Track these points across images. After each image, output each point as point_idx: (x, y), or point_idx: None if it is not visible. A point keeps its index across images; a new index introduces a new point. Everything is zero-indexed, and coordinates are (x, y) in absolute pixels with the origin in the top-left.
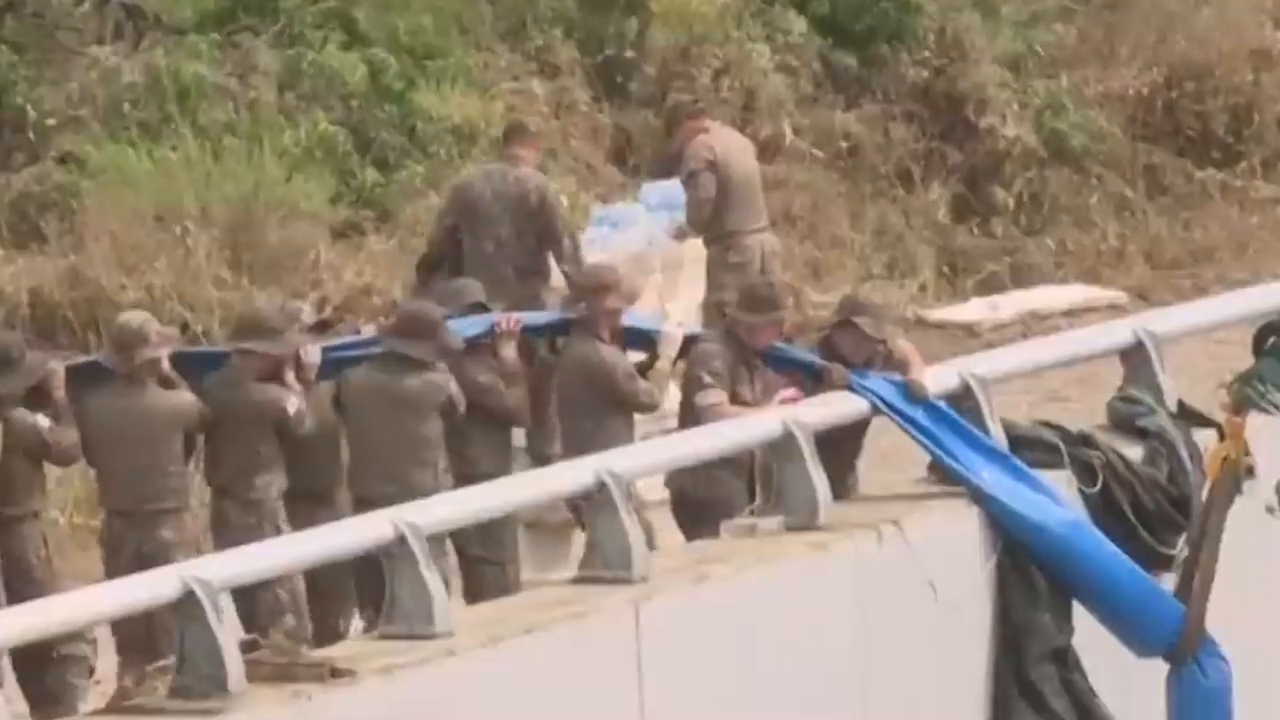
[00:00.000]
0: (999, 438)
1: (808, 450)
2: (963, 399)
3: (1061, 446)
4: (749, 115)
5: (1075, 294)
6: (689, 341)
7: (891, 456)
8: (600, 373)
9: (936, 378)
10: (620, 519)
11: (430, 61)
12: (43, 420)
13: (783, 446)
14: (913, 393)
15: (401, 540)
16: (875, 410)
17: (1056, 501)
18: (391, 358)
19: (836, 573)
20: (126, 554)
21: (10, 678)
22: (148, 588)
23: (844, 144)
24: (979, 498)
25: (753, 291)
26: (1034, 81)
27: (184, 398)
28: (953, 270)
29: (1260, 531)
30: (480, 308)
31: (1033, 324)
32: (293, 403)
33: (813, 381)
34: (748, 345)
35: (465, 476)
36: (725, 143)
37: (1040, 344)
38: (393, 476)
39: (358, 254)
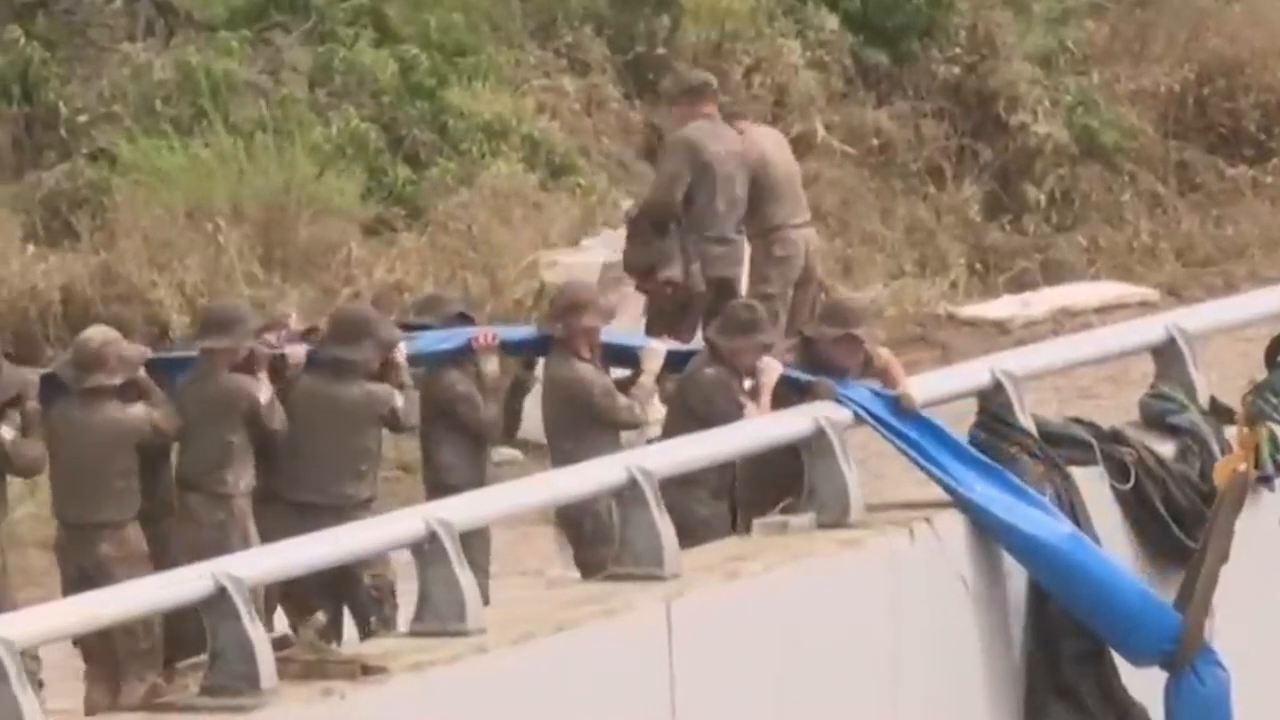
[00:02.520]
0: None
1: (839, 447)
2: (994, 396)
3: (1093, 443)
4: (780, 112)
5: (1107, 291)
6: (672, 356)
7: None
8: (578, 391)
9: (968, 375)
10: (652, 516)
11: (461, 58)
12: (6, 432)
13: (814, 443)
14: (903, 406)
15: (433, 537)
16: (859, 420)
17: (1049, 513)
18: (332, 365)
19: (869, 570)
20: (71, 566)
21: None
22: (179, 586)
23: (875, 141)
24: (969, 510)
25: (733, 314)
26: (1065, 78)
27: (135, 414)
28: (984, 267)
29: (1275, 543)
30: (463, 318)
31: (1064, 321)
32: (264, 393)
33: (798, 395)
34: (732, 369)
35: (436, 485)
36: (759, 140)
37: (1072, 341)
38: (325, 486)
39: (389, 250)
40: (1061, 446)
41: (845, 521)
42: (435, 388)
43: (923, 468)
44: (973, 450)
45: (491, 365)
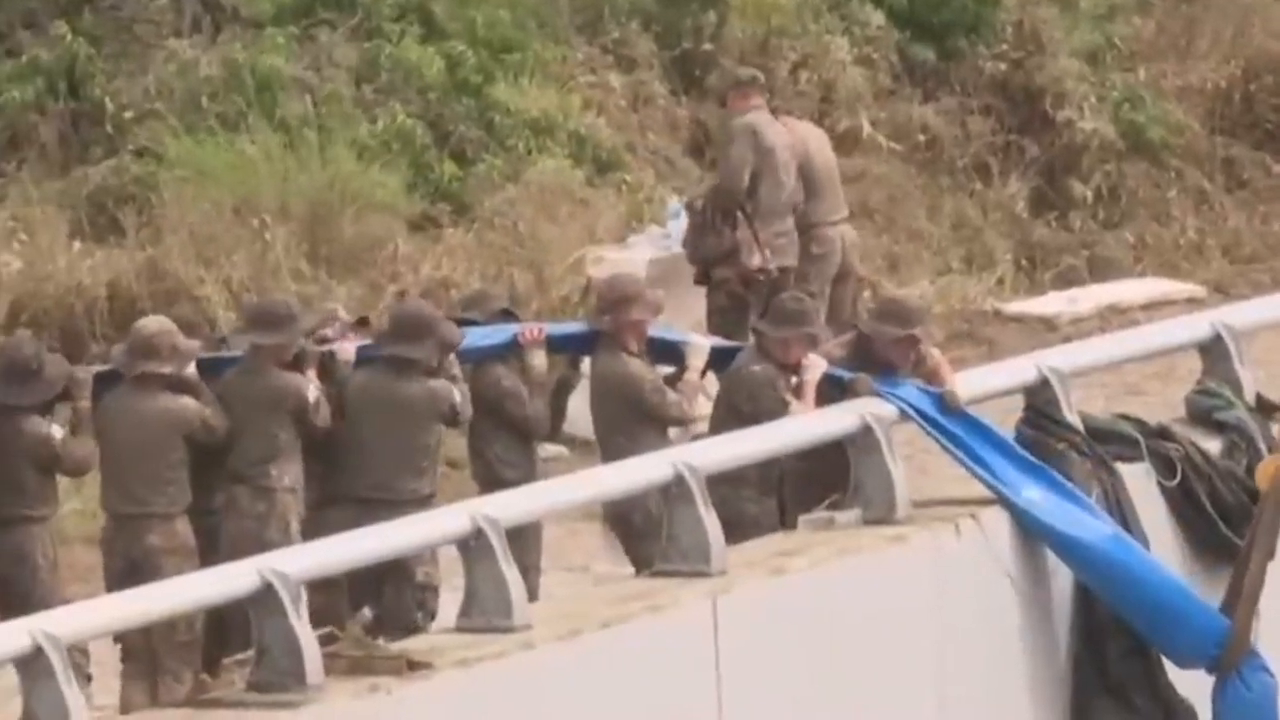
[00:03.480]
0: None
1: (885, 443)
2: (1041, 392)
3: (1140, 440)
4: (826, 108)
5: (1153, 287)
6: (716, 353)
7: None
8: (627, 386)
9: (1014, 371)
10: (699, 512)
11: (507, 55)
12: (56, 431)
13: (860, 439)
14: (947, 404)
15: (479, 533)
16: (903, 417)
17: (1094, 514)
18: (392, 362)
19: (914, 566)
20: (118, 558)
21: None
22: (226, 582)
23: (922, 137)
24: (1013, 510)
25: (781, 306)
26: (1112, 75)
27: (187, 404)
28: (1031, 264)
29: None
30: (508, 314)
31: (1111, 317)
32: (311, 391)
33: (838, 391)
34: (780, 361)
35: (487, 480)
36: (803, 135)
37: (1118, 337)
38: (387, 484)
39: (435, 247)
40: (1108, 443)
41: (891, 518)
42: (482, 384)
43: (966, 465)
44: (1018, 448)
45: (538, 360)
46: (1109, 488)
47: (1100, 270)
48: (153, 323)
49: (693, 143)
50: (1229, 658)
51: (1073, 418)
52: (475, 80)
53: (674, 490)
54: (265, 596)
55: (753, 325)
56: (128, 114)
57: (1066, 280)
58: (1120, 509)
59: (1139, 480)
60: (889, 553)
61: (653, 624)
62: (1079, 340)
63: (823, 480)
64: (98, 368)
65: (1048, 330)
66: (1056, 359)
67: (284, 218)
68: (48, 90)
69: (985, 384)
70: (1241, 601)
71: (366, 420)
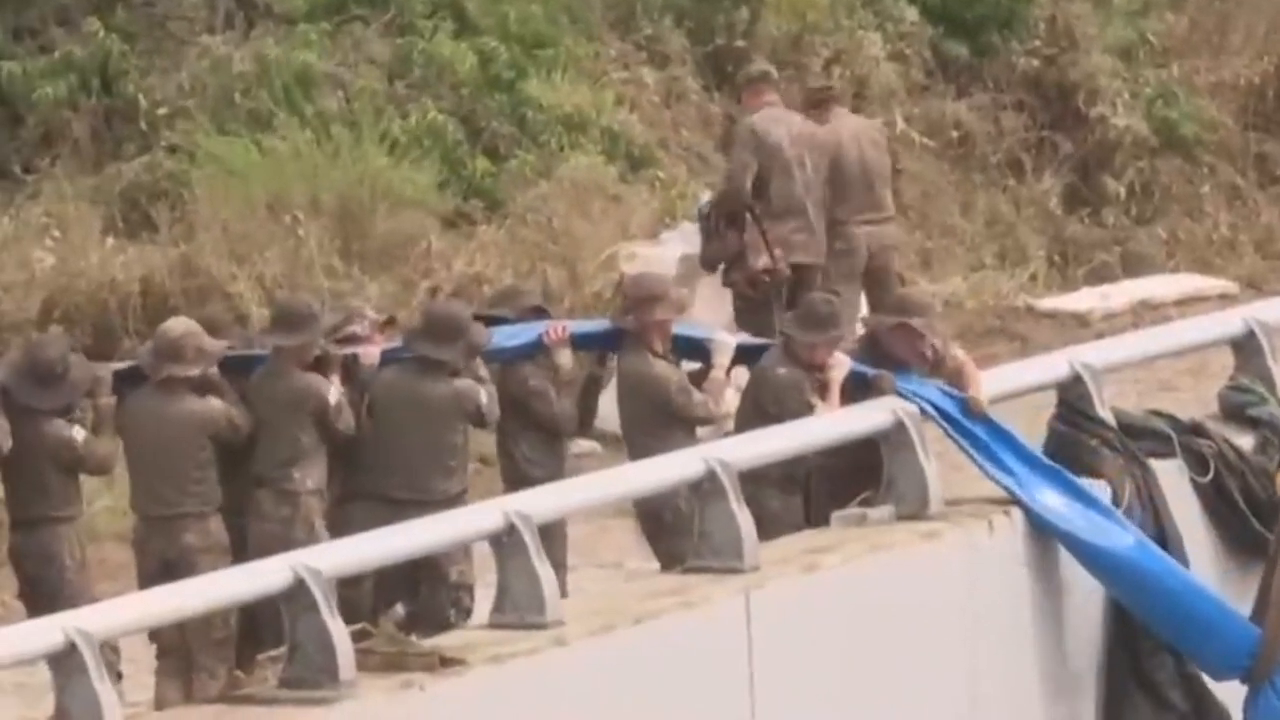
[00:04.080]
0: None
1: (918, 440)
2: (1073, 388)
3: (1173, 436)
4: (860, 104)
5: (1186, 283)
6: (742, 350)
7: None
8: (653, 387)
9: (1047, 367)
10: (731, 508)
11: (540, 50)
12: (78, 433)
13: (893, 436)
14: (971, 410)
15: (511, 530)
16: (924, 415)
17: (1119, 523)
18: (420, 362)
19: (947, 562)
20: (152, 559)
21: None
22: (258, 578)
23: (955, 133)
24: (1033, 516)
25: (811, 308)
26: (1145, 71)
27: (212, 405)
28: (1063, 260)
29: None
30: (539, 311)
31: (1144, 313)
32: (333, 394)
33: (860, 389)
34: (807, 363)
35: (515, 479)
36: (841, 129)
37: (1151, 333)
38: (415, 484)
39: (468, 243)
40: (1141, 439)
41: (924, 514)
42: (510, 383)
43: (986, 471)
44: (1041, 456)
45: (565, 359)
46: (1142, 484)
47: (1133, 266)
48: (178, 325)
49: (725, 139)
50: (1261, 667)
51: (1105, 414)
52: (508, 76)
53: (706, 486)
54: (298, 593)
55: (781, 328)
56: (161, 110)
57: (1099, 276)
58: (1153, 505)
59: (1172, 476)
60: (921, 549)
61: (685, 620)
62: (1112, 336)
63: (849, 477)
64: (118, 365)
65: (1080, 326)
66: (1089, 355)
67: (316, 214)
68: (81, 87)
69: (1018, 380)
70: (1272, 609)
71: (392, 419)
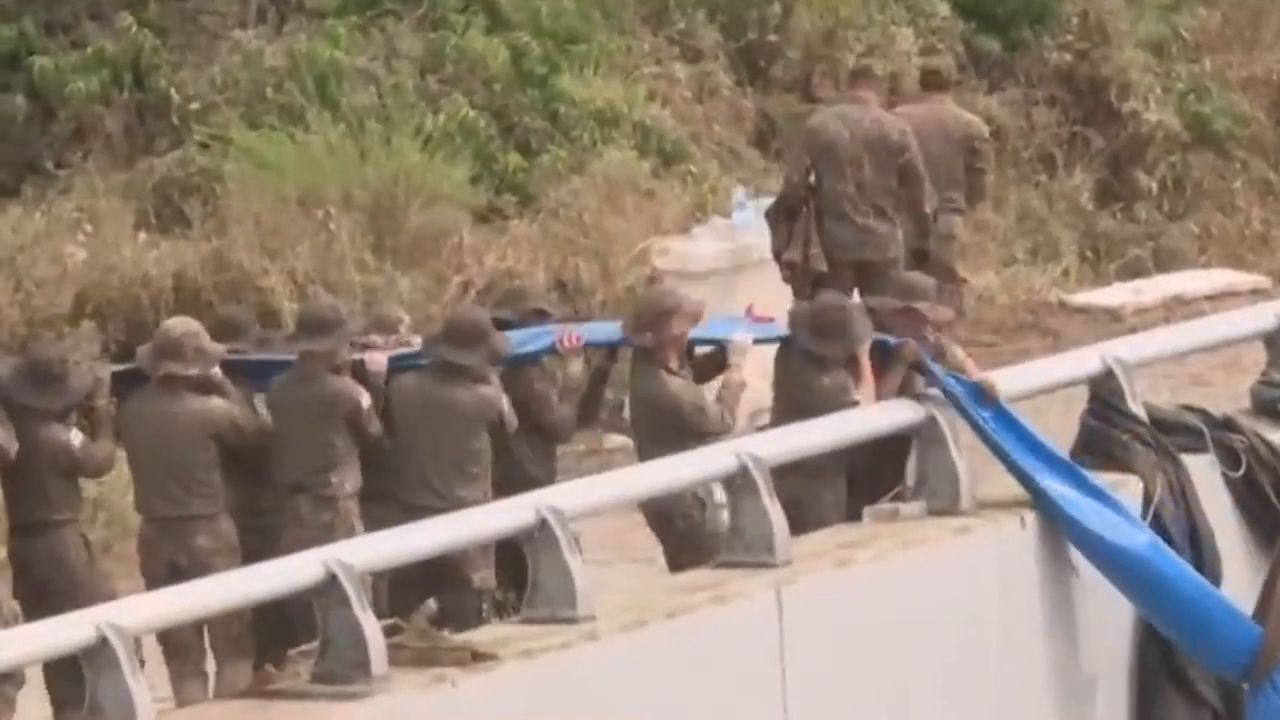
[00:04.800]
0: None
1: (950, 435)
2: (1105, 383)
3: (1205, 431)
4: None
5: (1218, 278)
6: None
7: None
8: (667, 407)
9: (1079, 362)
10: (763, 503)
11: (573, 45)
12: (75, 437)
13: (925, 431)
14: (985, 393)
15: (543, 525)
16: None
17: (1128, 519)
18: (442, 367)
19: (979, 557)
20: (160, 561)
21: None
22: (291, 573)
23: (987, 128)
24: (1047, 509)
25: (823, 316)
26: (1177, 65)
27: (214, 405)
28: (1096, 255)
29: None
30: (540, 314)
31: (1175, 308)
32: (366, 398)
33: (883, 358)
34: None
35: (513, 478)
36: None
37: (1183, 328)
38: (438, 490)
39: (500, 238)
40: (1173, 434)
41: (956, 509)
42: (516, 386)
43: (1005, 463)
44: (1051, 448)
45: (576, 368)
46: (1174, 479)
47: (1165, 261)
48: (178, 324)
49: (758, 134)
50: (1261, 666)
51: (1137, 408)
52: (540, 71)
53: (738, 481)
54: (329, 588)
55: (801, 342)
56: (193, 105)
57: (1131, 271)
58: (1185, 500)
59: (1204, 471)
60: (953, 544)
61: (717, 615)
62: (1144, 331)
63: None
64: (117, 366)
65: (1113, 321)
66: (1121, 350)
67: (349, 209)
68: (113, 82)
69: (1050, 375)
70: (1273, 609)
71: (414, 425)
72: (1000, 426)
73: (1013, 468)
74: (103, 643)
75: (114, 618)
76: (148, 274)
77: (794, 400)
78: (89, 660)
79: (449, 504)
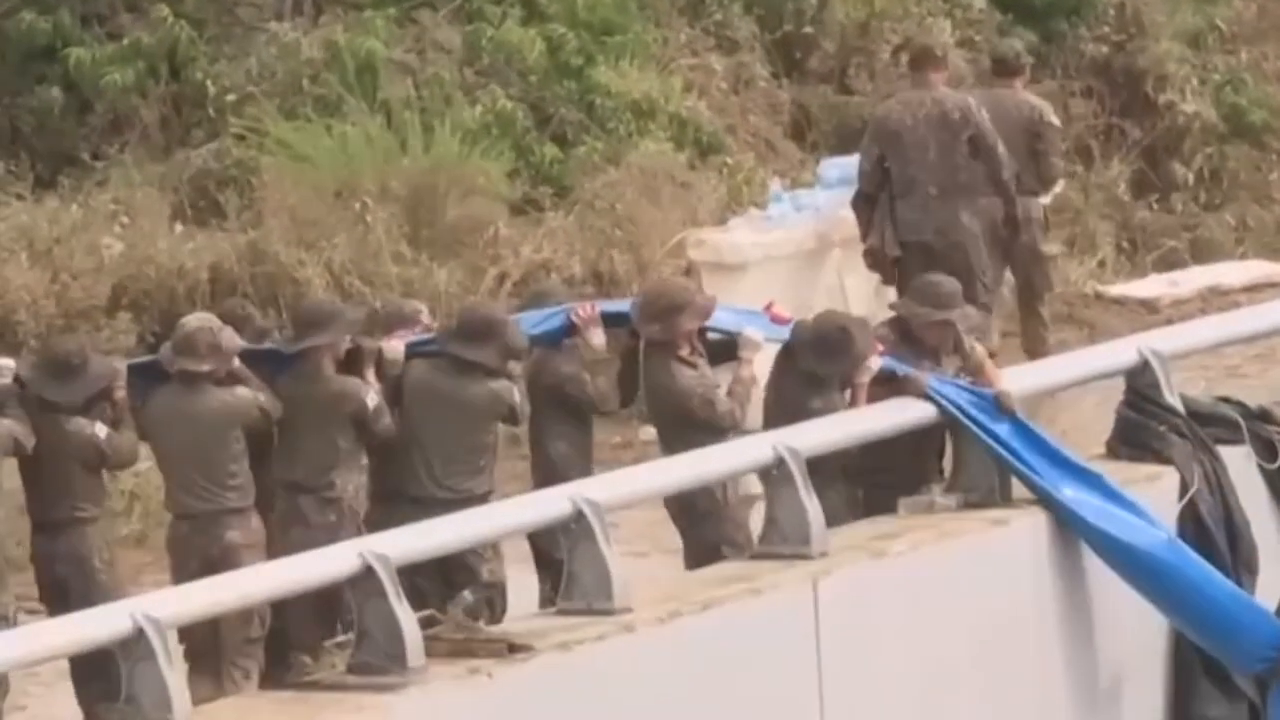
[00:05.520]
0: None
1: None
2: (1142, 375)
3: (1241, 422)
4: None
5: (1255, 270)
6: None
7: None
8: (678, 401)
9: (1115, 353)
10: (799, 495)
11: (609, 37)
12: (100, 430)
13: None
14: (1000, 406)
15: (579, 516)
16: (949, 417)
17: (1147, 519)
18: (454, 361)
19: (1015, 549)
20: (193, 557)
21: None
22: (326, 565)
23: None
24: (1062, 514)
25: (825, 335)
26: (1214, 57)
27: (240, 395)
28: (1132, 246)
29: None
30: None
31: (1212, 300)
32: (371, 397)
33: (886, 386)
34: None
35: (548, 475)
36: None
37: (1219, 320)
38: (444, 482)
39: (536, 230)
40: (1209, 425)
41: (992, 501)
42: (542, 375)
43: (1016, 471)
44: (1067, 453)
45: (597, 336)
46: (1210, 470)
47: (1201, 253)
48: (193, 320)
49: (793, 125)
50: None
51: (1174, 400)
52: (576, 63)
53: (775, 473)
54: (366, 579)
55: (803, 362)
56: (229, 97)
57: (1168, 263)
58: (1221, 492)
59: (1240, 463)
60: (989, 535)
61: (753, 606)
62: (1180, 323)
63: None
64: (133, 360)
65: (1149, 313)
66: (1158, 341)
67: (385, 200)
68: (149, 73)
69: (1087, 367)
70: None
71: (422, 417)
72: (1012, 434)
73: (1024, 477)
74: (139, 634)
75: (150, 609)
76: (184, 266)
77: (785, 413)
78: (125, 652)
79: (454, 496)
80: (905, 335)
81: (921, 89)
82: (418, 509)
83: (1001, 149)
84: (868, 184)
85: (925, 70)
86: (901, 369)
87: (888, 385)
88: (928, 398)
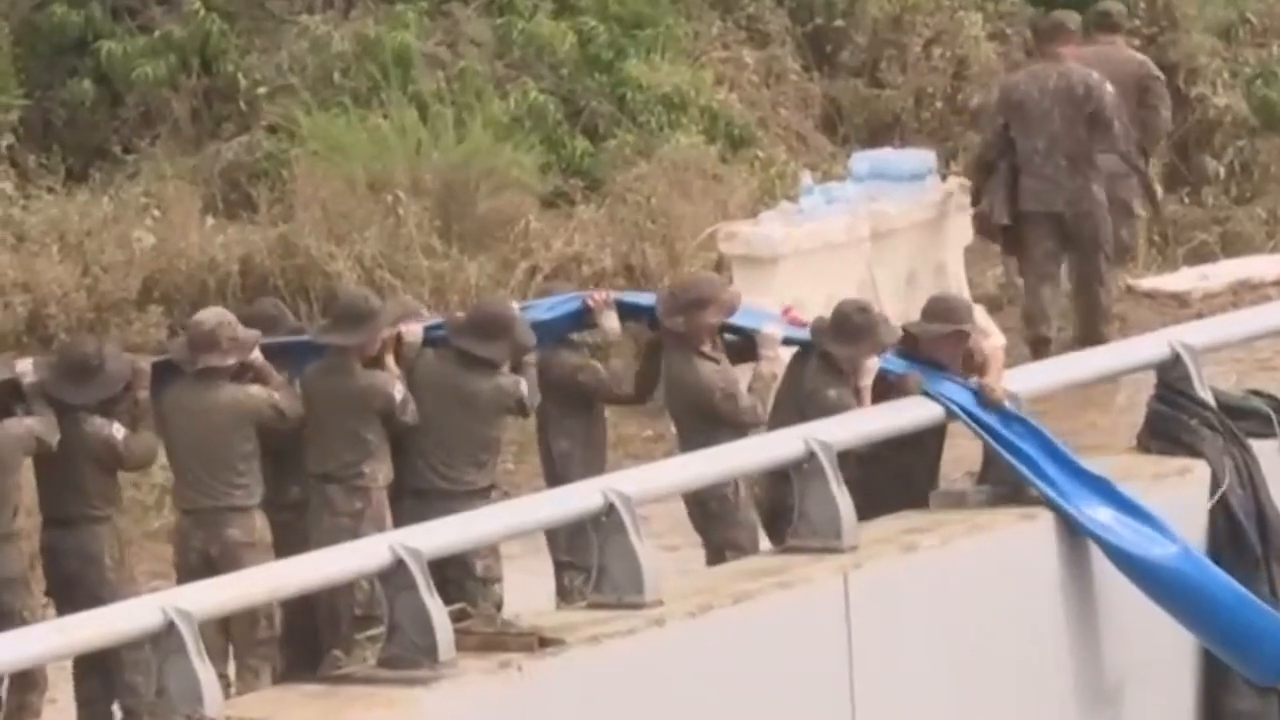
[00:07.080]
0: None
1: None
2: (1173, 368)
3: (1273, 416)
4: (959, 84)
5: None
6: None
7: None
8: (699, 395)
9: (1146, 347)
10: (830, 488)
11: (640, 30)
12: (118, 430)
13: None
14: (985, 398)
15: (610, 509)
16: (951, 417)
17: (1161, 529)
18: (463, 356)
19: (1045, 543)
20: (194, 554)
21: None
22: (357, 558)
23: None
24: (1062, 513)
25: (845, 320)
26: (1245, 50)
27: (253, 393)
28: (1163, 240)
29: None
30: None
31: (1243, 293)
32: (398, 389)
33: (885, 387)
34: (847, 376)
35: (552, 474)
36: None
37: (1251, 313)
38: (446, 474)
39: (567, 223)
40: (1240, 419)
41: (1022, 496)
42: (551, 368)
43: (1018, 470)
44: (1078, 461)
45: (611, 321)
46: (1241, 464)
47: (1232, 246)
48: (210, 316)
49: (825, 119)
50: None
51: (1205, 394)
52: (607, 56)
53: (806, 466)
54: (397, 572)
55: (822, 344)
56: (260, 90)
57: (1199, 256)
58: (1252, 485)
59: (1271, 457)
60: (1020, 530)
61: (784, 600)
62: (1211, 316)
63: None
64: (155, 358)
65: (1180, 306)
66: (1189, 335)
67: (416, 193)
68: (180, 66)
69: (1118, 360)
70: None
71: (430, 410)
72: (1026, 441)
73: (1033, 484)
74: (170, 628)
75: (181, 602)
76: (215, 259)
77: (795, 402)
78: (156, 645)
79: (456, 489)
80: (912, 353)
81: (1050, 61)
82: (419, 501)
83: (1118, 127)
84: (989, 150)
85: (1055, 43)
86: (897, 371)
87: (883, 387)
88: (925, 394)
